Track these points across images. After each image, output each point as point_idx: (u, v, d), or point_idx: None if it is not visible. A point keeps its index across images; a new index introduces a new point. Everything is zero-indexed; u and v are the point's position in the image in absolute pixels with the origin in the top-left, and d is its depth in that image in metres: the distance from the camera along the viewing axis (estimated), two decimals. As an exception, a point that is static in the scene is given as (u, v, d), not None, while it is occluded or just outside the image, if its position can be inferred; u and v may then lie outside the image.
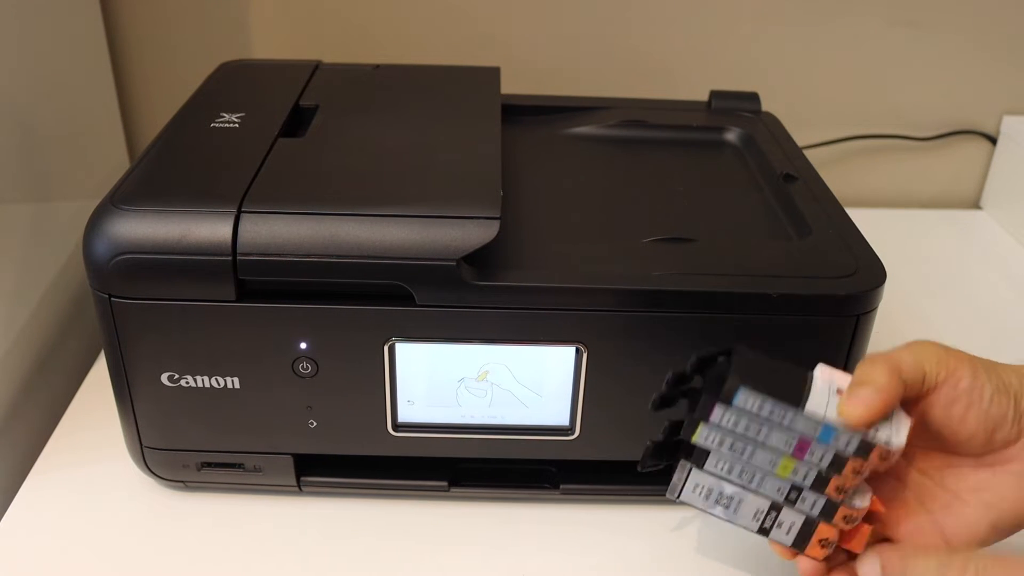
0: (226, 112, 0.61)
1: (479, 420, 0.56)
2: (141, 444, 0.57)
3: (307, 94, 0.66)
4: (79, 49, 0.81)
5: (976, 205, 1.04)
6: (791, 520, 0.46)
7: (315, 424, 0.55)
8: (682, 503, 0.47)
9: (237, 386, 0.54)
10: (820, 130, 0.99)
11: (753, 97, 0.76)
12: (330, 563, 0.55)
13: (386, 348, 0.52)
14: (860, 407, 0.43)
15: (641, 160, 0.69)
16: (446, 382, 0.55)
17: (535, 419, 0.56)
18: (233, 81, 0.69)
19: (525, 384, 0.55)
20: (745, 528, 0.47)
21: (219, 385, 0.53)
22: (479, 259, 0.51)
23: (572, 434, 0.56)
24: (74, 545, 0.56)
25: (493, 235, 0.50)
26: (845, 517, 0.45)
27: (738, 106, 0.76)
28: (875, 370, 0.44)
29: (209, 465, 0.57)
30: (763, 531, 0.46)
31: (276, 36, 0.92)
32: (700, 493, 0.47)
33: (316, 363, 0.53)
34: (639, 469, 0.49)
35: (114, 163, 0.88)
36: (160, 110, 0.88)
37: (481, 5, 0.91)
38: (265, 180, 0.53)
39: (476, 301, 0.51)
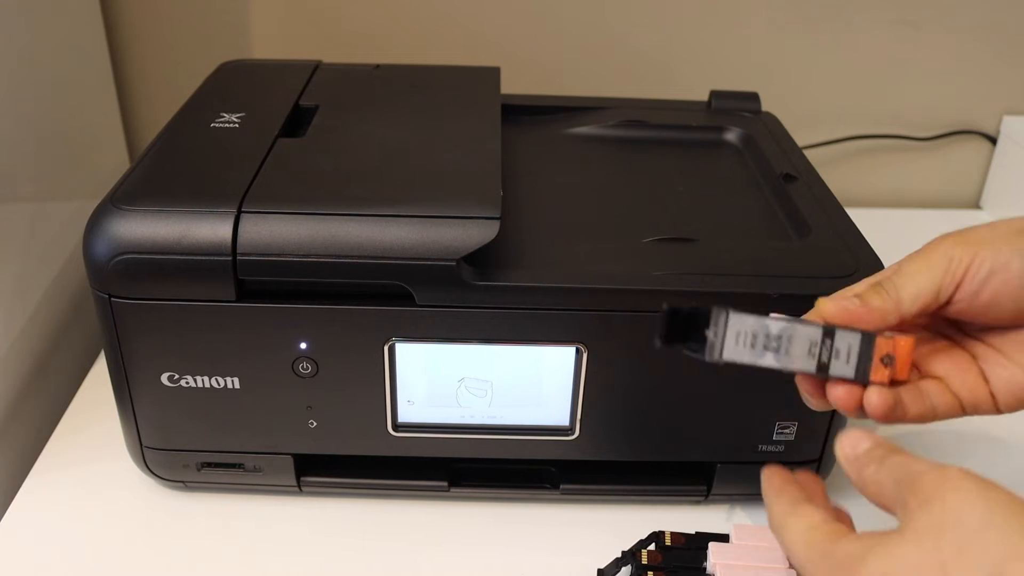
0: (226, 112, 0.61)
1: (479, 420, 0.56)
2: (141, 444, 0.57)
3: (307, 94, 0.66)
4: (79, 49, 0.81)
5: (976, 205, 1.04)
6: (847, 343, 0.41)
7: (315, 424, 0.55)
8: (728, 363, 0.41)
9: (237, 386, 0.54)
10: (820, 130, 0.99)
11: (753, 97, 0.76)
12: (330, 563, 0.55)
13: (386, 348, 0.52)
14: (835, 307, 0.43)
15: (641, 160, 0.69)
16: (446, 382, 0.55)
17: (535, 419, 0.56)
18: (233, 81, 0.69)
19: (525, 384, 0.55)
20: (802, 371, 0.41)
21: (219, 385, 0.53)
22: (479, 259, 0.51)
23: (572, 434, 0.56)
24: (74, 545, 0.56)
25: (493, 235, 0.50)
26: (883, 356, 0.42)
27: (738, 106, 0.76)
28: (873, 296, 0.43)
29: (209, 465, 0.57)
30: (822, 368, 0.41)
31: (276, 36, 0.92)
32: (744, 343, 0.41)
33: (316, 363, 0.53)
34: (659, 344, 0.42)
35: (114, 163, 0.88)
36: (160, 110, 0.89)
37: (481, 5, 0.91)
38: (265, 180, 0.53)
39: (476, 301, 0.51)
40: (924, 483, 0.35)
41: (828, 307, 0.43)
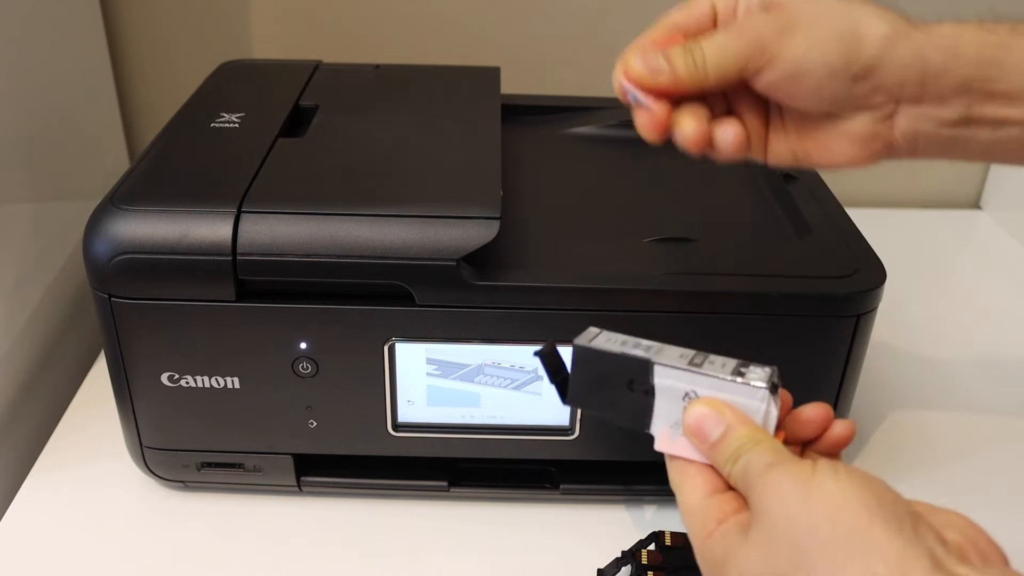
0: (226, 112, 0.61)
1: (479, 420, 0.56)
2: (141, 444, 0.57)
3: (307, 94, 0.66)
4: (79, 49, 0.81)
5: (976, 205, 1.04)
6: (722, 361, 0.42)
7: (315, 424, 0.55)
8: (589, 350, 0.43)
9: (237, 386, 0.54)
10: (820, 130, 0.99)
11: (753, 97, 0.76)
12: (330, 563, 0.55)
13: (386, 348, 0.52)
14: (643, 67, 0.45)
15: (641, 160, 0.69)
16: (446, 382, 0.55)
17: (535, 419, 0.56)
18: (233, 81, 0.69)
19: (525, 384, 0.55)
20: (674, 367, 0.41)
21: (219, 385, 0.53)
22: (479, 259, 0.51)
23: (572, 434, 0.56)
24: (74, 545, 0.56)
25: (493, 235, 0.50)
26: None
27: (738, 106, 0.76)
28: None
29: (209, 465, 0.57)
30: (694, 365, 0.42)
31: (276, 36, 0.92)
32: (614, 343, 0.43)
33: (316, 363, 0.53)
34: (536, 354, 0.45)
35: (114, 163, 0.88)
36: (160, 110, 0.88)
37: (481, 5, 0.91)
38: (265, 180, 0.53)
39: (476, 301, 0.51)
40: (755, 492, 0.36)
41: (635, 65, 0.44)
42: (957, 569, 0.32)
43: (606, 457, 0.58)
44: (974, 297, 0.85)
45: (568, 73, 0.95)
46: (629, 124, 0.74)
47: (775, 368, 0.41)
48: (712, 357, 0.42)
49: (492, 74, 0.71)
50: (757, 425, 0.39)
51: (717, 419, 0.39)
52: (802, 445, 0.43)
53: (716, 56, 0.43)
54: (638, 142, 0.72)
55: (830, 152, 0.46)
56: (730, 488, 0.39)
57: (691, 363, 0.41)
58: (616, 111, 0.74)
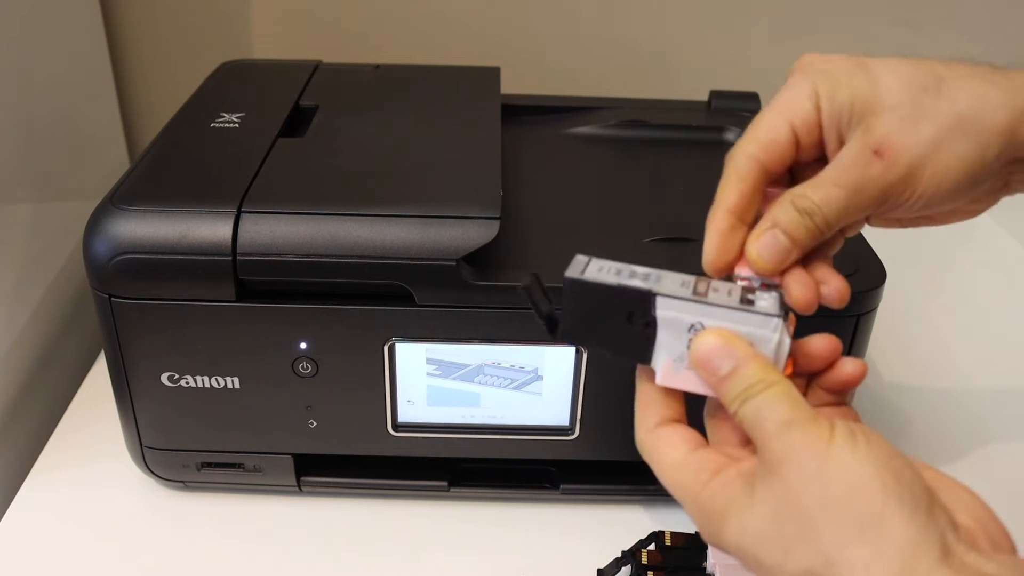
0: (226, 112, 0.61)
1: (479, 420, 0.56)
2: (141, 444, 0.57)
3: (307, 94, 0.66)
4: (79, 49, 0.81)
5: (976, 205, 1.04)
6: (728, 287, 0.39)
7: (315, 424, 0.55)
8: (583, 283, 0.39)
9: (237, 386, 0.54)
10: (820, 130, 0.99)
11: (753, 97, 0.76)
12: (330, 563, 0.55)
13: (386, 348, 0.52)
14: (772, 260, 0.41)
15: (641, 160, 0.69)
16: (446, 382, 0.55)
17: (535, 419, 0.56)
18: (233, 81, 0.69)
19: (525, 384, 0.55)
20: (678, 297, 0.38)
21: (219, 385, 0.53)
22: (479, 259, 0.51)
23: (572, 434, 0.56)
24: (74, 545, 0.56)
25: (493, 235, 0.50)
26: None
27: (738, 106, 0.76)
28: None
29: (209, 465, 0.57)
30: (698, 293, 0.39)
31: (276, 36, 0.92)
32: (608, 271, 0.40)
33: (316, 363, 0.53)
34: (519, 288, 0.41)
35: (114, 163, 0.88)
36: (160, 110, 0.88)
37: (481, 5, 0.92)
38: (265, 180, 0.53)
39: (476, 301, 0.51)
40: (768, 449, 0.35)
41: (759, 260, 0.40)
42: (966, 557, 0.32)
43: (606, 457, 0.58)
44: (974, 297, 0.85)
45: (568, 73, 0.95)
46: (629, 124, 0.74)
47: (783, 290, 0.40)
48: (715, 283, 0.40)
49: (492, 74, 0.71)
50: (768, 362, 0.37)
51: (727, 351, 0.37)
52: (807, 378, 0.41)
53: (837, 215, 0.41)
54: (638, 142, 0.73)
55: (944, 220, 0.47)
56: (708, 445, 0.39)
57: (695, 291, 0.39)
58: (616, 111, 0.74)
